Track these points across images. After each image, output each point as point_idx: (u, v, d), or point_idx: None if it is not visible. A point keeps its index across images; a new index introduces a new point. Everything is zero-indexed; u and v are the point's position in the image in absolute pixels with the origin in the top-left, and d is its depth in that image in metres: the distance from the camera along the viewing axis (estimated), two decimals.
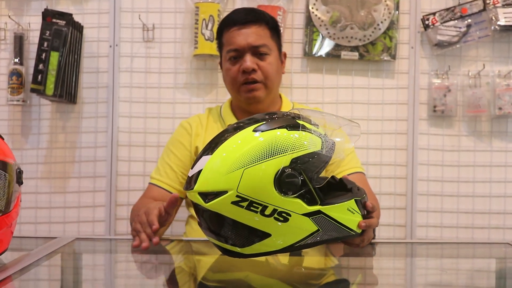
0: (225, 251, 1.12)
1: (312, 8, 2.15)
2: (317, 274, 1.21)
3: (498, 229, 2.17)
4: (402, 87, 2.18)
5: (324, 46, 2.15)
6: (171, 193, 1.68)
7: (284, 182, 1.05)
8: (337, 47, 2.15)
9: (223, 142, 1.09)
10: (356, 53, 2.15)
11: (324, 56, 2.16)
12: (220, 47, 1.77)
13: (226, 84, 1.76)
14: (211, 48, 2.11)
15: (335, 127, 1.15)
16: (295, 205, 1.06)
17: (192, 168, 1.12)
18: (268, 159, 1.04)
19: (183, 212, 1.85)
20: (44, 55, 2.05)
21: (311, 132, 1.09)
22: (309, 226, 1.09)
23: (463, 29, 2.13)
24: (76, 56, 2.14)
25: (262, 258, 1.19)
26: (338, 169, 1.68)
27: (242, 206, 1.05)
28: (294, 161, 1.05)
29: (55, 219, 2.22)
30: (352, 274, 1.25)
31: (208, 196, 1.06)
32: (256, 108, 1.71)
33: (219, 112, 1.81)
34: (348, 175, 1.67)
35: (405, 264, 1.42)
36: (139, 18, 2.19)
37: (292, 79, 2.19)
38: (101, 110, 2.21)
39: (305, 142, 1.07)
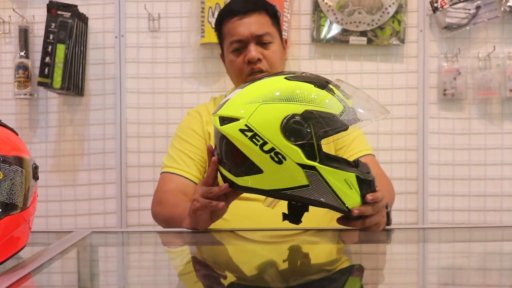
0: (222, 176, 1.23)
1: None
2: (329, 261, 1.21)
3: (510, 211, 2.16)
4: (412, 71, 2.17)
5: (332, 32, 2.13)
6: (192, 181, 1.64)
7: (290, 127, 1.10)
8: (345, 32, 2.13)
9: (257, 80, 1.19)
10: (365, 38, 2.13)
11: (332, 41, 2.14)
12: (221, 38, 1.74)
13: (230, 76, 1.74)
14: None
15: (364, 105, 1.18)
16: (294, 152, 1.11)
17: (225, 97, 1.21)
18: (284, 102, 1.11)
19: None
20: (50, 47, 2.03)
21: (334, 96, 1.13)
22: (300, 177, 1.13)
23: (472, 11, 2.10)
24: (82, 48, 2.13)
25: (277, 246, 1.18)
26: (346, 153, 1.67)
27: (246, 135, 1.12)
28: (307, 112, 1.11)
29: (66, 212, 2.22)
30: (365, 260, 1.24)
31: (224, 120, 1.16)
32: None
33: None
34: (358, 158, 1.65)
35: (417, 249, 1.41)
36: (145, 8, 2.17)
37: (301, 66, 2.18)
38: (108, 102, 2.20)
39: (326, 101, 1.12)
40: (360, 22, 2.12)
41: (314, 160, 1.12)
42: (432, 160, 2.17)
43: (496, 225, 1.99)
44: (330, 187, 1.14)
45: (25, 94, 2.15)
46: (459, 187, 2.18)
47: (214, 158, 1.23)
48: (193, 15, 2.16)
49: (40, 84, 2.06)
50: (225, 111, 1.17)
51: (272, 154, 1.12)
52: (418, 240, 1.48)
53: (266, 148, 1.12)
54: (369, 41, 2.13)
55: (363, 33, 2.13)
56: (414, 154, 2.17)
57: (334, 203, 1.16)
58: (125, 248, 1.39)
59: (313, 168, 1.12)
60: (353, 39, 2.13)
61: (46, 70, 2.03)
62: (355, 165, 1.23)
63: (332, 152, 1.67)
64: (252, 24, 1.65)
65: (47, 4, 2.06)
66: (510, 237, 1.48)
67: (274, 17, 1.72)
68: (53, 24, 2.03)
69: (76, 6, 2.07)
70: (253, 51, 1.63)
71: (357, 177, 1.16)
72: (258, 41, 1.65)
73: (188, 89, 2.19)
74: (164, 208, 1.57)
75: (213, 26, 2.08)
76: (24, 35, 2.16)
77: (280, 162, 1.12)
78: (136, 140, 2.20)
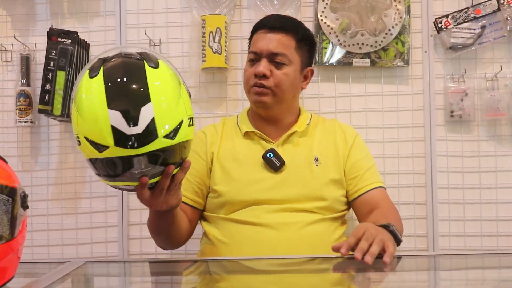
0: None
1: (321, 16, 2.10)
2: None
3: None
4: (417, 93, 2.12)
5: (335, 54, 2.10)
6: (186, 204, 1.66)
7: None
8: (348, 54, 2.10)
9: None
10: (368, 60, 2.10)
11: (335, 64, 2.11)
12: (248, 47, 1.78)
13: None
14: (219, 60, 2.07)
15: None
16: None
17: (135, 126, 1.14)
18: None
19: (197, 229, 1.79)
20: (50, 74, 2.02)
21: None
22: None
23: (478, 31, 2.07)
24: None
25: (284, 275, 1.11)
26: (359, 184, 1.69)
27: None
28: None
29: (67, 241, 2.18)
30: None
31: (170, 133, 1.19)
32: (266, 113, 1.72)
33: (236, 120, 1.79)
34: (368, 191, 1.68)
35: (428, 277, 1.36)
36: (145, 34, 2.15)
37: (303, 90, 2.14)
38: None
39: None
40: (363, 44, 2.08)
41: None
42: (441, 183, 2.10)
43: (510, 251, 1.93)
44: None
45: (26, 122, 2.13)
46: (469, 211, 2.11)
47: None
48: (194, 40, 2.14)
49: (40, 111, 2.04)
50: (167, 126, 1.22)
51: None
52: (429, 267, 1.43)
53: None
54: (373, 63, 2.10)
55: (366, 55, 2.10)
56: (422, 177, 2.11)
57: None
58: (122, 279, 1.35)
59: None
60: (356, 61, 2.10)
61: (47, 97, 2.02)
62: None
63: (344, 182, 1.70)
64: (272, 41, 1.67)
65: (48, 32, 2.05)
66: None
67: (304, 43, 1.72)
68: (54, 51, 2.02)
69: (76, 33, 2.07)
70: (262, 66, 1.65)
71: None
72: (272, 59, 1.67)
73: None
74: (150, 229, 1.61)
75: (214, 50, 2.07)
76: (25, 62, 2.15)
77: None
78: None
